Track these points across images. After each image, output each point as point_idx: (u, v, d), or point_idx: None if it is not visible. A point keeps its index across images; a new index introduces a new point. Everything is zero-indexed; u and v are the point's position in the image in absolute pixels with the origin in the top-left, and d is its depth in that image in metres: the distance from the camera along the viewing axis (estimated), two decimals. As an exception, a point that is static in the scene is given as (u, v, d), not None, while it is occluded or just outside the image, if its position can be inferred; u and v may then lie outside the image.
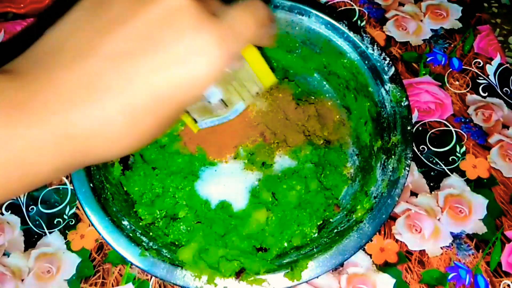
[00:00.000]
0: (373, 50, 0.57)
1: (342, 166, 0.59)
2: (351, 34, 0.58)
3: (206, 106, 0.33)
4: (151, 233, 0.51)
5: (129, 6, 0.24)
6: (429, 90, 0.68)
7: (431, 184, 0.61)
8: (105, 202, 0.49)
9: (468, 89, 0.68)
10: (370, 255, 0.56)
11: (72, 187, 0.59)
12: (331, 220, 0.55)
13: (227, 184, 0.55)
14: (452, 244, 0.57)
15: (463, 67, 0.70)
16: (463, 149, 0.63)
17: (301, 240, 0.52)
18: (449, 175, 0.61)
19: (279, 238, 0.52)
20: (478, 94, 0.67)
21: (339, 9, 0.76)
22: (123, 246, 0.46)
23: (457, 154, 0.63)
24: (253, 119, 0.60)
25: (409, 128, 0.52)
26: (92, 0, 0.25)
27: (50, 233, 0.59)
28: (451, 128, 0.65)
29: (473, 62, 0.70)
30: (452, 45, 0.72)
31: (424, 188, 0.60)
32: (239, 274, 0.46)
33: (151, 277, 0.55)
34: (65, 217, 0.60)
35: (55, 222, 0.59)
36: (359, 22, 0.75)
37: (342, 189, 0.58)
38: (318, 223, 0.54)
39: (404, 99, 0.53)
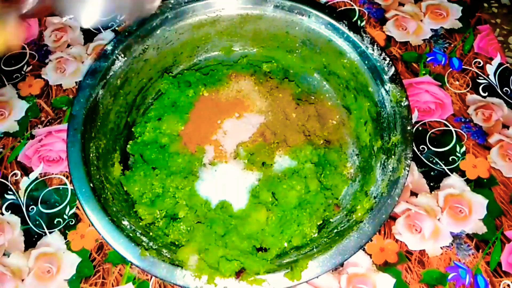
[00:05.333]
0: (373, 50, 0.57)
1: (342, 166, 0.59)
2: (351, 34, 0.58)
3: None
4: (151, 233, 0.51)
5: None
6: (429, 90, 0.68)
7: (431, 184, 0.61)
8: (105, 202, 0.49)
9: (468, 89, 0.68)
10: (370, 255, 0.56)
11: (72, 187, 0.59)
12: (331, 220, 0.55)
13: (227, 184, 0.55)
14: (452, 244, 0.57)
15: (463, 67, 0.70)
16: (463, 149, 0.63)
17: (301, 240, 0.52)
18: (449, 175, 0.61)
19: (279, 238, 0.52)
20: (478, 94, 0.67)
21: (339, 9, 0.76)
22: (123, 246, 0.46)
23: (457, 154, 0.63)
24: (253, 119, 0.60)
25: (409, 128, 0.52)
26: None
27: (50, 233, 0.59)
28: (451, 128, 0.65)
29: (473, 62, 0.70)
30: (452, 45, 0.72)
31: (424, 188, 0.60)
32: (239, 274, 0.46)
33: (151, 277, 0.55)
34: (65, 217, 0.60)
35: (55, 222, 0.59)
36: (359, 22, 0.75)
37: (342, 189, 0.58)
38: (318, 223, 0.54)
39: (404, 99, 0.53)
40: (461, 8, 0.75)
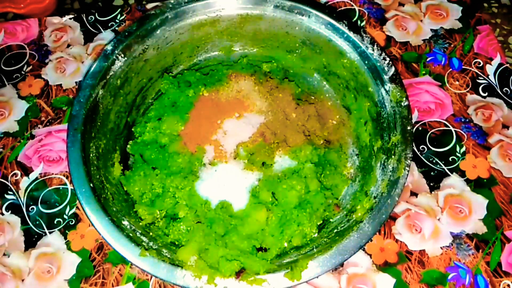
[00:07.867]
0: (373, 50, 0.57)
1: (342, 166, 0.59)
2: (351, 34, 0.58)
3: None
4: (151, 233, 0.51)
5: None
6: (429, 90, 0.68)
7: (431, 184, 0.61)
8: (105, 202, 0.49)
9: (468, 89, 0.68)
10: (370, 255, 0.56)
11: (72, 187, 0.59)
12: (331, 220, 0.55)
13: (227, 184, 0.55)
14: (452, 244, 0.57)
15: (463, 67, 0.70)
16: (463, 149, 0.63)
17: (301, 240, 0.52)
18: (449, 175, 0.61)
19: (279, 238, 0.52)
20: (478, 94, 0.67)
21: (339, 9, 0.76)
22: (123, 246, 0.46)
23: (457, 154, 0.63)
24: (253, 119, 0.60)
25: (409, 128, 0.52)
26: None
27: (50, 233, 0.59)
28: (451, 128, 0.65)
29: (473, 62, 0.70)
30: (452, 45, 0.72)
31: (424, 188, 0.60)
32: (239, 274, 0.46)
33: (151, 277, 0.55)
34: (65, 217, 0.60)
35: (55, 222, 0.59)
36: (359, 22, 0.75)
37: (342, 189, 0.58)
38: (318, 223, 0.54)
39: (404, 99, 0.53)
40: (461, 8, 0.75)
